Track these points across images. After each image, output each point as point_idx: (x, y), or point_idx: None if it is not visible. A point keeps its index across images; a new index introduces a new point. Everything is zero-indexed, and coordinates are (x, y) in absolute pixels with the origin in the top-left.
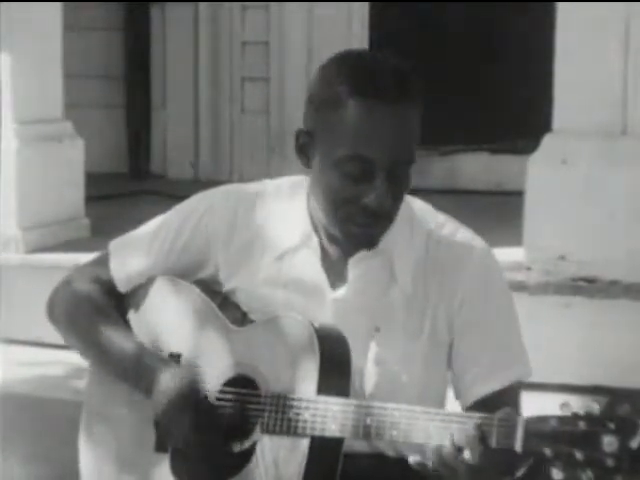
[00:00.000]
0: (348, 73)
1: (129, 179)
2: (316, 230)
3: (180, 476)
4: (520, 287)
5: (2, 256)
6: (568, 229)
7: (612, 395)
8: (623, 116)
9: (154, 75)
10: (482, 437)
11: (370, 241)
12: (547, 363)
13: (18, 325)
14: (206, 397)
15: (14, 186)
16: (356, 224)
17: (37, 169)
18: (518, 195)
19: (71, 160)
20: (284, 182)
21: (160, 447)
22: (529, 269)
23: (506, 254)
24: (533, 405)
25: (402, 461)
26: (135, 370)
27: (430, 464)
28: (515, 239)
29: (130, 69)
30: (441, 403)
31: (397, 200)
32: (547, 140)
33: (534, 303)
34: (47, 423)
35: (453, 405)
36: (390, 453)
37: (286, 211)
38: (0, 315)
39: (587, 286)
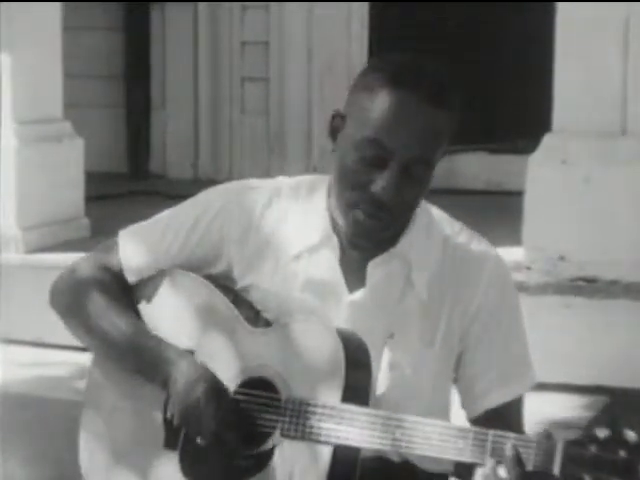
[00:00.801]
0: (391, 64)
1: (129, 179)
2: (336, 230)
3: (190, 475)
4: (520, 287)
5: (2, 256)
6: (568, 229)
7: (611, 395)
8: (623, 116)
9: (154, 75)
10: (519, 459)
11: (370, 233)
12: (547, 363)
13: (18, 325)
14: (228, 390)
15: (14, 186)
16: (359, 209)
17: (37, 169)
18: (518, 195)
19: (71, 160)
20: (302, 180)
21: (169, 444)
22: (529, 269)
23: (506, 254)
24: (533, 405)
25: (406, 465)
26: (148, 360)
27: None
28: (515, 239)
29: (130, 69)
30: (446, 410)
31: (407, 199)
32: (547, 140)
33: (534, 303)
34: (47, 423)
35: (457, 413)
36: (394, 457)
37: (305, 210)
38: (0, 315)
39: (587, 286)
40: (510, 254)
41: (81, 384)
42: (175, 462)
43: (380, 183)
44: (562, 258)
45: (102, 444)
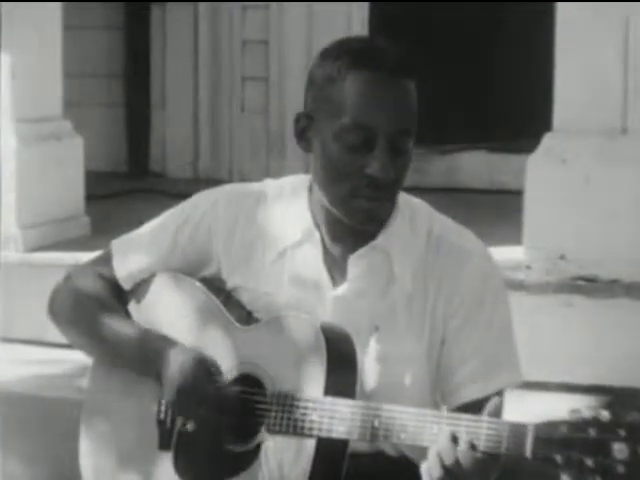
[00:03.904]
0: (347, 50)
1: (128, 178)
2: (318, 226)
3: (183, 474)
4: (520, 286)
5: (2, 254)
6: (568, 228)
7: (612, 395)
8: (623, 115)
9: (154, 74)
10: (472, 443)
11: (373, 216)
12: (547, 362)
13: (18, 324)
14: (218, 369)
15: (13, 185)
16: (361, 197)
17: (36, 168)
18: (518, 194)
19: (70, 158)
20: (286, 181)
21: (163, 445)
22: (529, 268)
23: (506, 253)
24: (532, 404)
25: (403, 460)
26: (143, 354)
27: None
28: (515, 238)
29: (130, 68)
30: (439, 406)
31: (399, 174)
32: (547, 139)
33: (534, 302)
34: (47, 422)
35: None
36: (391, 452)
37: (287, 209)
38: (0, 313)
39: (587, 285)
40: (510, 253)
41: (81, 382)
42: (169, 462)
43: (375, 164)
44: (562, 257)
45: (102, 447)
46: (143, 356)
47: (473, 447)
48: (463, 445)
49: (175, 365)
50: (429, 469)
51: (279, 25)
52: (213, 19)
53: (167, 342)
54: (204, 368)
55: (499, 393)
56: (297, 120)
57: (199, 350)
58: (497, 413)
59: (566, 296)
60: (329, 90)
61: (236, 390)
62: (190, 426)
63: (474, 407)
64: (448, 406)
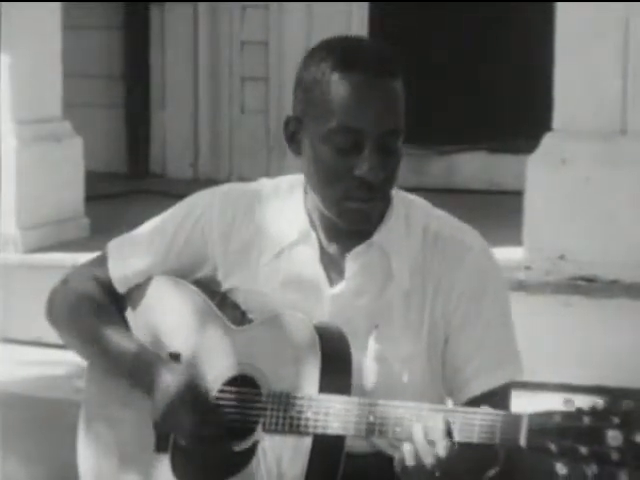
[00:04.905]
0: (332, 51)
1: (128, 178)
2: (314, 227)
3: (181, 476)
4: (519, 286)
5: (1, 256)
6: (568, 229)
7: (612, 395)
8: (623, 116)
9: (153, 75)
10: (448, 431)
11: (366, 217)
12: (546, 363)
13: (17, 325)
14: (206, 392)
15: (13, 186)
16: (352, 199)
17: (36, 168)
18: (517, 195)
19: (70, 159)
20: (282, 181)
21: (160, 448)
22: (528, 269)
23: (505, 253)
24: (532, 404)
25: None
26: (135, 369)
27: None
28: (514, 238)
29: (129, 69)
30: (441, 401)
31: (389, 174)
32: (547, 140)
33: (533, 302)
34: (47, 423)
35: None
36: (390, 452)
37: (284, 209)
38: None
39: (587, 285)
40: (510, 254)
41: (80, 383)
42: (167, 464)
43: (364, 166)
44: (562, 257)
45: (100, 449)
46: (134, 371)
47: (466, 438)
48: (456, 437)
49: (163, 387)
50: (424, 457)
51: (279, 25)
52: (212, 19)
53: (159, 360)
54: (191, 393)
55: (507, 386)
56: (286, 124)
57: (193, 364)
58: (508, 406)
59: (565, 296)
60: (315, 93)
61: (219, 414)
62: (184, 443)
63: (483, 400)
64: (456, 402)
